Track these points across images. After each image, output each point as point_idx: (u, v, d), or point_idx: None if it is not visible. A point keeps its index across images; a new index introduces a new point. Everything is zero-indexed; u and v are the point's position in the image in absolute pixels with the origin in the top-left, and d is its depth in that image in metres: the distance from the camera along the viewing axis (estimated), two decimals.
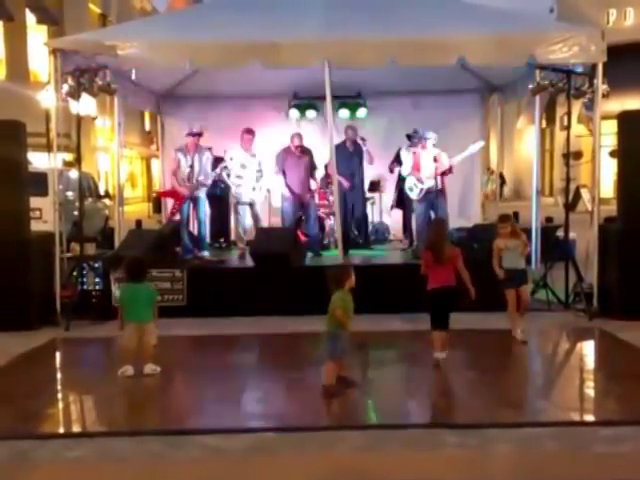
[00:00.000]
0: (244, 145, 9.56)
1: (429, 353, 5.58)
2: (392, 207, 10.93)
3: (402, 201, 10.40)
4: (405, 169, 9.30)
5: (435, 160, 8.98)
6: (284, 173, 9.61)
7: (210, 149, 9.68)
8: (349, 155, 9.82)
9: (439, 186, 9.05)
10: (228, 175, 9.54)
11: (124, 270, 6.00)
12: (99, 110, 20.24)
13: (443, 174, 9.12)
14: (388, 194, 11.13)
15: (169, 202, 9.84)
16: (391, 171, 10.59)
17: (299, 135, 9.68)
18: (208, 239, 9.85)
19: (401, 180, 9.96)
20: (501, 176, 17.47)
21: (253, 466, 3.95)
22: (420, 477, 3.82)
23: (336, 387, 4.99)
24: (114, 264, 7.85)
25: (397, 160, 10.16)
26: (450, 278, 5.58)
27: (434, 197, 9.04)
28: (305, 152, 9.66)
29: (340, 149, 9.25)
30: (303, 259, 8.52)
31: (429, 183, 8.99)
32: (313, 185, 9.93)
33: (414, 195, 9.18)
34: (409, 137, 10.08)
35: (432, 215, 9.00)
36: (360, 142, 9.91)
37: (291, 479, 3.84)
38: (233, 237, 10.62)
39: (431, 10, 7.96)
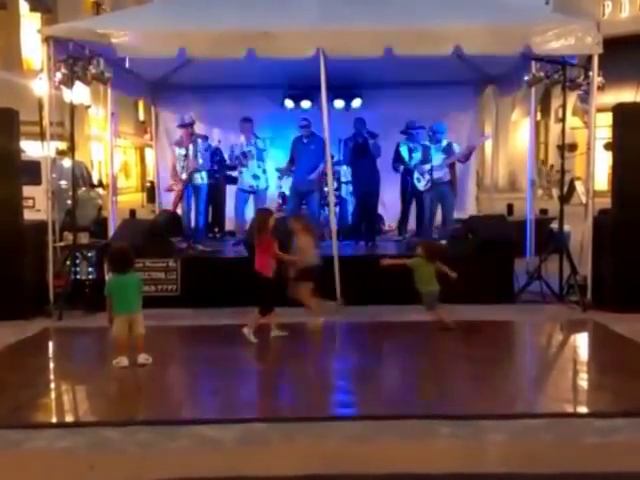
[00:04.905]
0: (243, 134, 9.64)
1: (424, 344, 5.56)
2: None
3: (404, 194, 10.35)
4: (414, 160, 9.29)
5: (444, 152, 8.96)
6: (292, 161, 9.72)
7: (206, 137, 9.62)
8: (359, 147, 9.66)
9: (448, 177, 9.03)
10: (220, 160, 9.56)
11: (108, 262, 5.88)
12: (93, 99, 20.14)
13: (455, 164, 9.09)
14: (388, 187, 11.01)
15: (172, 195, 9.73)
16: (395, 169, 10.42)
17: (306, 119, 9.64)
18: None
19: (405, 173, 9.96)
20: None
21: (245, 456, 3.94)
22: (413, 468, 3.82)
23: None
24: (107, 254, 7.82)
25: (397, 157, 10.08)
26: None
27: (442, 189, 9.03)
28: (314, 140, 9.55)
29: (350, 142, 9.35)
30: None
31: (437, 174, 8.98)
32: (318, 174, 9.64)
33: (421, 186, 9.23)
34: (404, 132, 10.06)
35: (439, 206, 9.15)
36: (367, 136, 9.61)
37: (283, 469, 3.84)
38: (229, 227, 10.56)
39: None
